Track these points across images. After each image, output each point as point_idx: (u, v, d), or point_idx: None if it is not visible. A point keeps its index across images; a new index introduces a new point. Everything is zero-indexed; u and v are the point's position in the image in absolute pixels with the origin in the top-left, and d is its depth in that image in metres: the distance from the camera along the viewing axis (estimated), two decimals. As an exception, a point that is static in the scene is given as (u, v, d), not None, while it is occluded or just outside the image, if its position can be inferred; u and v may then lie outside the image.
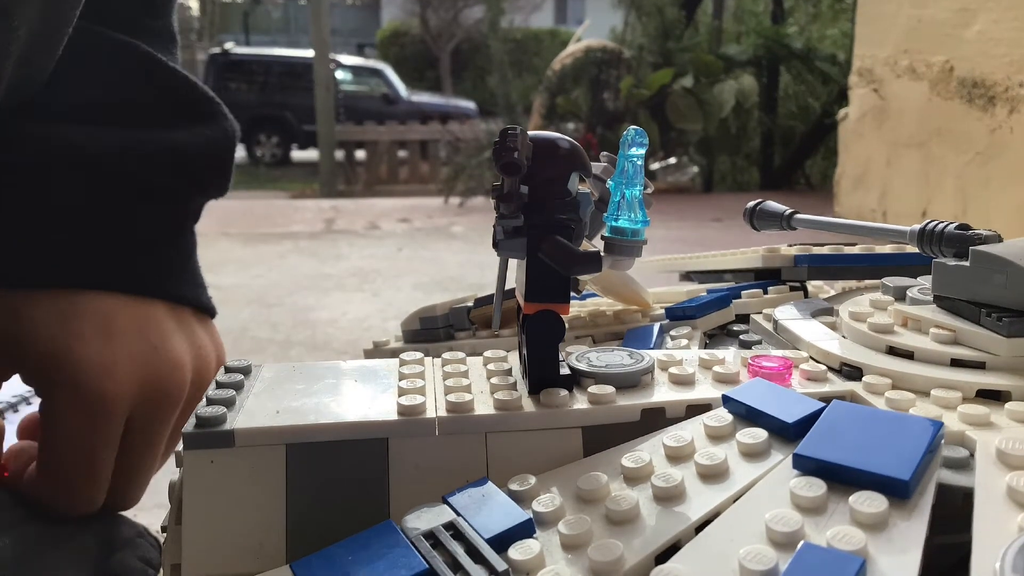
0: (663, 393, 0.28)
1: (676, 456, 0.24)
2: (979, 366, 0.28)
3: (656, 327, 0.38)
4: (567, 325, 0.29)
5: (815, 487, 0.21)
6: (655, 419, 0.27)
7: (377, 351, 0.47)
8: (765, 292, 0.41)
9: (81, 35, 0.40)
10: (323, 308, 2.05)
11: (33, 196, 0.40)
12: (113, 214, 0.41)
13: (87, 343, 0.37)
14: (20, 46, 0.32)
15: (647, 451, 0.25)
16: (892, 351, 0.29)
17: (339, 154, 5.27)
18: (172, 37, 0.45)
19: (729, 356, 0.30)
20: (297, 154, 7.25)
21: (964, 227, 0.30)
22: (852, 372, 0.29)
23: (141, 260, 0.41)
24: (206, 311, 0.44)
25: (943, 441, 0.23)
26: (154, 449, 0.40)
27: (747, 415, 0.25)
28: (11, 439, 0.41)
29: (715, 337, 0.39)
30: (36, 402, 0.40)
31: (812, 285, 0.43)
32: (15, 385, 0.41)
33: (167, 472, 0.40)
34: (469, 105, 7.40)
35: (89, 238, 0.40)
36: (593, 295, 0.45)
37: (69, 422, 0.37)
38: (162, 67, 0.42)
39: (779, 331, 0.34)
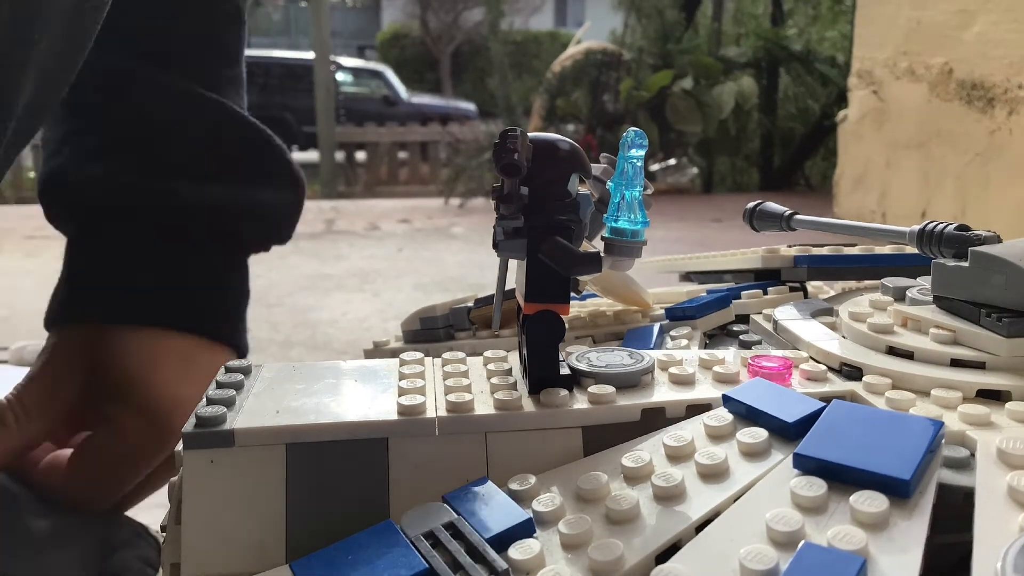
0: (663, 393, 0.28)
1: (676, 456, 0.24)
2: (979, 366, 0.28)
3: (656, 327, 0.38)
4: (567, 325, 0.28)
5: (815, 487, 0.21)
6: (655, 419, 0.27)
7: (377, 351, 0.47)
8: (765, 292, 0.40)
9: (171, 91, 0.43)
10: (323, 308, 2.05)
11: (132, 243, 0.42)
12: (199, 263, 0.43)
13: (166, 378, 0.40)
14: (41, 60, 0.32)
15: (647, 451, 0.25)
16: (892, 351, 0.29)
17: (339, 155, 5.27)
18: (243, 83, 0.47)
19: (729, 356, 0.30)
20: (298, 155, 7.20)
21: (963, 228, 0.30)
22: (852, 372, 0.29)
23: (219, 306, 0.44)
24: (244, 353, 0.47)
25: (943, 441, 0.23)
26: None
27: (747, 415, 0.25)
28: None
29: (715, 337, 0.39)
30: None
31: (812, 285, 0.43)
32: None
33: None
34: (469, 107, 7.39)
35: (176, 283, 0.43)
36: (593, 295, 0.45)
37: (130, 442, 0.39)
38: (246, 125, 0.45)
39: (779, 331, 0.34)
